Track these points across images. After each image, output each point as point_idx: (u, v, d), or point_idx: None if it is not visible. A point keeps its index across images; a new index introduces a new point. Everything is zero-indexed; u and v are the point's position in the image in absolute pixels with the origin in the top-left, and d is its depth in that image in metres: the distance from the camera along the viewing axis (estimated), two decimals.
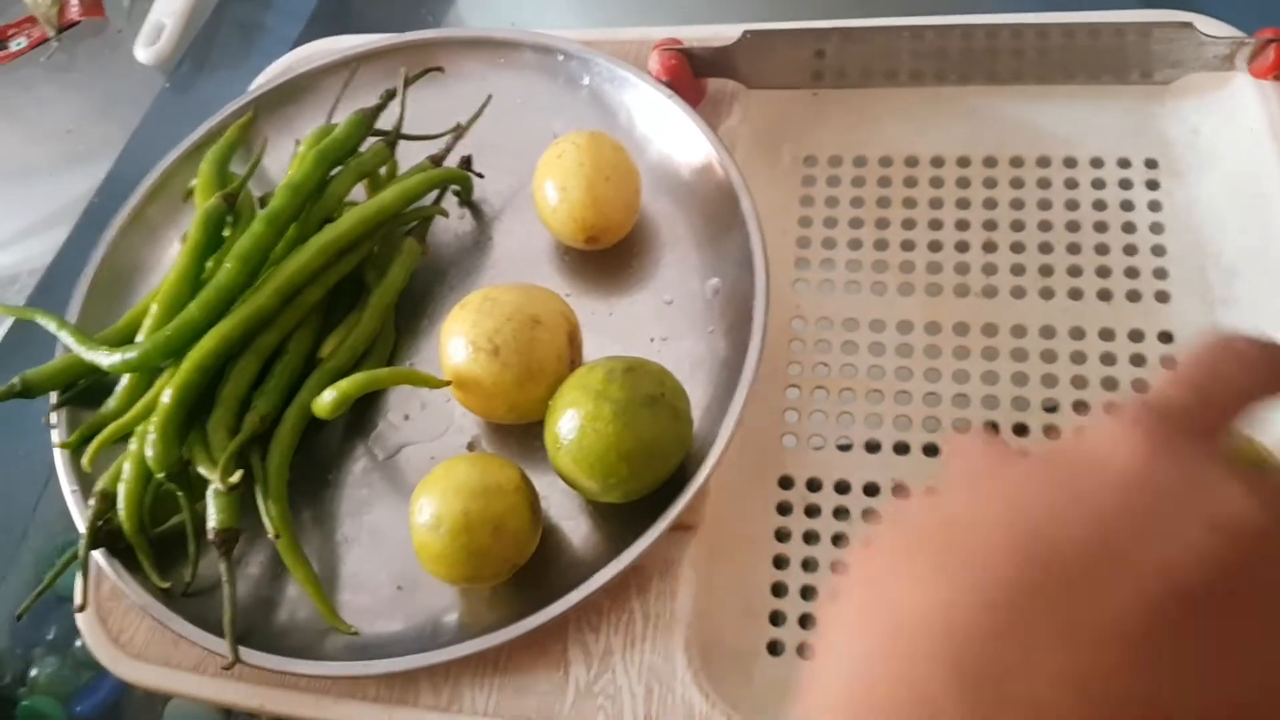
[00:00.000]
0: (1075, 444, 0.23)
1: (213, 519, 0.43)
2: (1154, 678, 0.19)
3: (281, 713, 0.44)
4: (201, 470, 0.44)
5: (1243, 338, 0.24)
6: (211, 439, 0.45)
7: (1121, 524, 0.20)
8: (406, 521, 0.42)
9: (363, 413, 0.50)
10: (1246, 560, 0.20)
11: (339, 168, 0.51)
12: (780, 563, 0.46)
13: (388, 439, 0.49)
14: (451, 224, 0.54)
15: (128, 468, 0.45)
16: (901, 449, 0.48)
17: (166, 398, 0.44)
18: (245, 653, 0.42)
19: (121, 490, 0.45)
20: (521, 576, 0.43)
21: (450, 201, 0.55)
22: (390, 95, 0.54)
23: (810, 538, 0.46)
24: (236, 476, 0.43)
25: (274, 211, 0.48)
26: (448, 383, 0.45)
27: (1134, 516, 0.21)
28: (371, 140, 0.53)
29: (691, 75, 0.54)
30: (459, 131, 0.54)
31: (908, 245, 0.53)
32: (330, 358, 0.47)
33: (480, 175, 0.54)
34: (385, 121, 0.53)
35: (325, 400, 0.44)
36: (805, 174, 0.55)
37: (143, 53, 0.76)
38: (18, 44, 0.79)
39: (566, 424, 0.42)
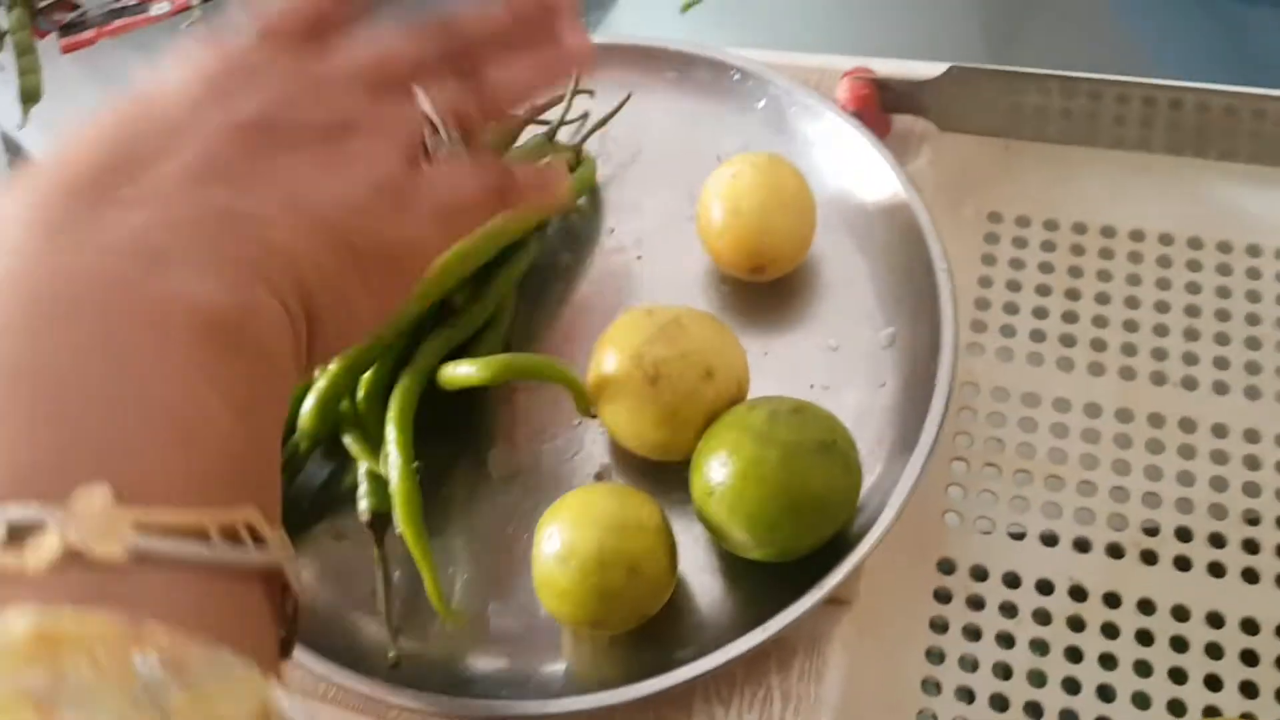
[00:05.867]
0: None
1: (366, 500, 0.41)
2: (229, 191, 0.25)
3: None
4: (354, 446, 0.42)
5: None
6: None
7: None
8: (521, 551, 0.38)
9: (481, 422, 0.45)
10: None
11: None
12: (934, 656, 0.40)
13: (507, 458, 0.44)
14: (600, 236, 0.50)
15: None
16: (1082, 545, 0.42)
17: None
18: (331, 670, 0.38)
19: None
20: (645, 630, 0.38)
21: (607, 214, 0.51)
22: (542, 107, 0.51)
23: (971, 633, 0.41)
24: None
25: None
26: (593, 415, 0.41)
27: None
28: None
29: (878, 108, 0.50)
30: (593, 126, 0.51)
31: (1100, 321, 0.48)
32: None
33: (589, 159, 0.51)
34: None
35: (460, 373, 0.41)
36: (988, 230, 0.51)
37: None
38: (159, 8, 0.78)
39: (722, 468, 0.37)
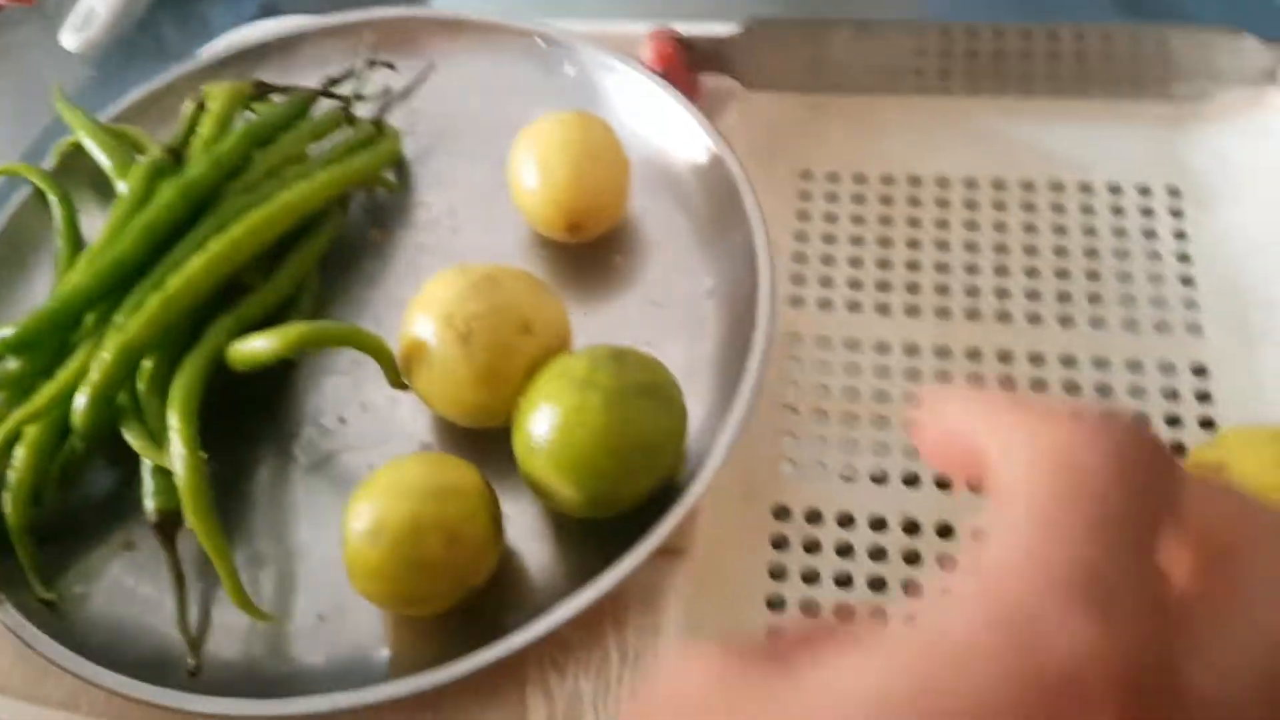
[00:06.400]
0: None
1: (152, 499, 0.37)
2: None
3: None
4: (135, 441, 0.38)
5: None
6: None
7: None
8: (334, 538, 0.35)
9: (286, 409, 0.42)
10: None
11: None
12: (776, 603, 0.39)
13: (317, 443, 0.42)
14: (412, 210, 0.48)
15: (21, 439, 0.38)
16: (912, 481, 0.42)
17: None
18: (128, 685, 0.34)
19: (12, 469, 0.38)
20: (473, 606, 0.36)
21: (417, 189, 0.49)
22: (334, 81, 0.49)
23: (810, 577, 0.40)
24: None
25: (191, 182, 0.42)
26: (405, 386, 0.39)
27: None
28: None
29: (685, 69, 0.49)
30: (393, 98, 0.51)
31: (913, 265, 0.48)
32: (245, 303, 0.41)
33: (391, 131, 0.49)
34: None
35: (252, 348, 0.38)
36: (801, 188, 0.51)
37: (69, 38, 0.70)
38: None
39: (544, 420, 0.35)
